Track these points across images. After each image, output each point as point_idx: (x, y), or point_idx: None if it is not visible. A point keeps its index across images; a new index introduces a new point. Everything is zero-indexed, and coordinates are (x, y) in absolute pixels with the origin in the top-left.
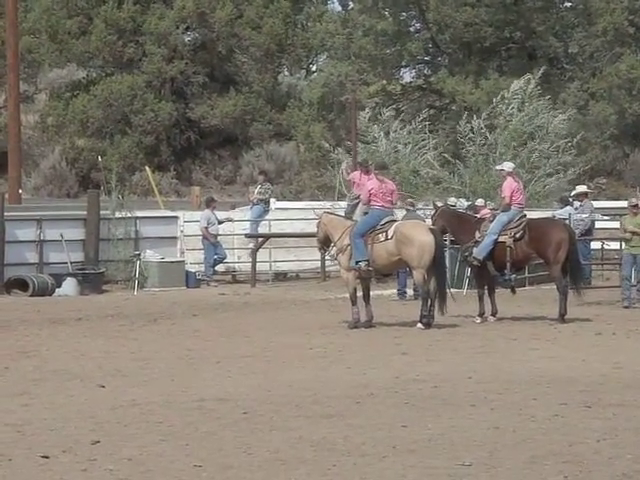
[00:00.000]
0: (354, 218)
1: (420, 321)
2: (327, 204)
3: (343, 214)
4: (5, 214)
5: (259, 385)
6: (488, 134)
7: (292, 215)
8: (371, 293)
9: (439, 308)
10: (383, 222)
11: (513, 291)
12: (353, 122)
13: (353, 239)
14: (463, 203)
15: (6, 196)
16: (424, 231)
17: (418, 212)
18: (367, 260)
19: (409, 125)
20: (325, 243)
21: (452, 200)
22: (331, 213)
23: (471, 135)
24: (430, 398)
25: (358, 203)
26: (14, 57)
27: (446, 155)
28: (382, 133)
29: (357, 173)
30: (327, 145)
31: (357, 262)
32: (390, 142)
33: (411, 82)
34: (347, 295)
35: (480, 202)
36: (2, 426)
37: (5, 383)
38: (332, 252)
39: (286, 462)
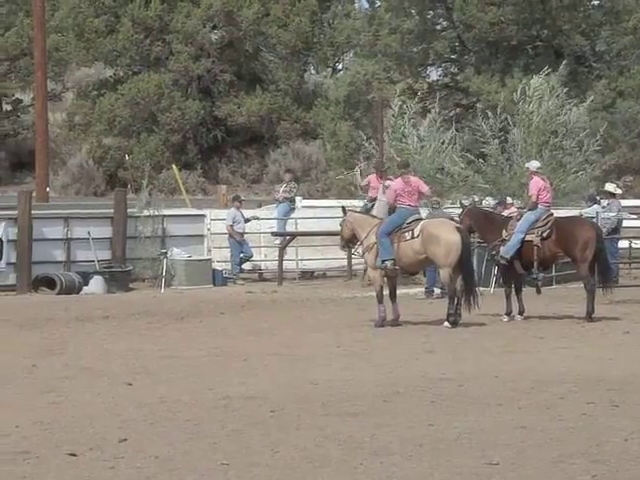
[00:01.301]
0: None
1: (447, 320)
2: (354, 202)
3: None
4: (33, 212)
5: (286, 383)
6: (510, 132)
7: (319, 213)
8: (397, 291)
9: (468, 307)
10: (409, 220)
11: (538, 291)
12: (379, 120)
13: (379, 238)
14: (489, 202)
15: (34, 194)
16: (450, 229)
17: (443, 210)
18: (393, 259)
19: (435, 123)
20: (350, 241)
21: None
22: (357, 211)
23: (492, 133)
24: (457, 397)
25: (373, 206)
26: (42, 55)
27: (469, 154)
28: (413, 130)
29: (372, 177)
30: (362, 139)
31: (383, 261)
32: (419, 140)
33: (437, 80)
34: (374, 293)
35: (509, 199)
36: (30, 424)
37: (33, 381)
38: (358, 250)
39: (313, 461)
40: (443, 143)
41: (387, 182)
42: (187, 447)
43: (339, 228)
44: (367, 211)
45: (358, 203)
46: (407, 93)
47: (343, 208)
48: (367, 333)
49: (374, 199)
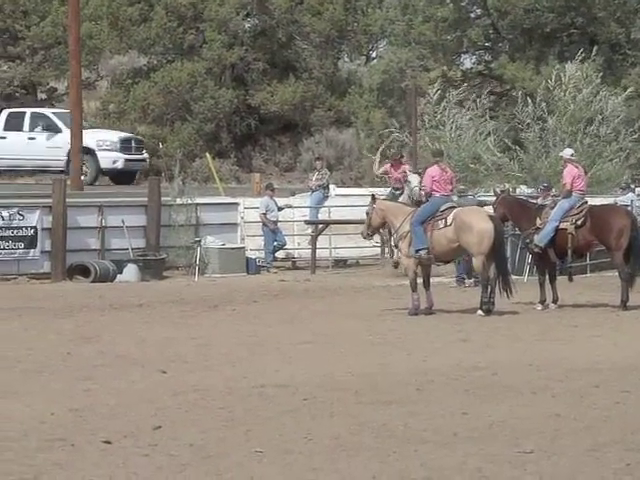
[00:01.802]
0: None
1: (480, 308)
2: (387, 190)
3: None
4: (67, 200)
5: (319, 371)
6: (546, 119)
7: (352, 202)
8: (431, 280)
9: (505, 294)
10: (442, 209)
11: (570, 279)
12: (413, 109)
13: (413, 226)
14: (523, 190)
15: (68, 183)
16: (483, 218)
17: (470, 197)
18: (427, 248)
19: (470, 111)
20: (377, 229)
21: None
22: (387, 199)
23: (529, 121)
24: (490, 385)
25: (399, 194)
26: (76, 44)
27: (506, 141)
28: (451, 118)
29: (388, 166)
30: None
31: (417, 250)
32: (454, 129)
33: (472, 68)
34: (407, 282)
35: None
36: (65, 411)
37: (67, 368)
38: (392, 239)
39: (346, 448)
40: (477, 131)
41: (406, 168)
42: (221, 435)
43: (366, 216)
44: (394, 199)
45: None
46: (441, 81)
47: (373, 196)
48: (400, 321)
49: (397, 188)
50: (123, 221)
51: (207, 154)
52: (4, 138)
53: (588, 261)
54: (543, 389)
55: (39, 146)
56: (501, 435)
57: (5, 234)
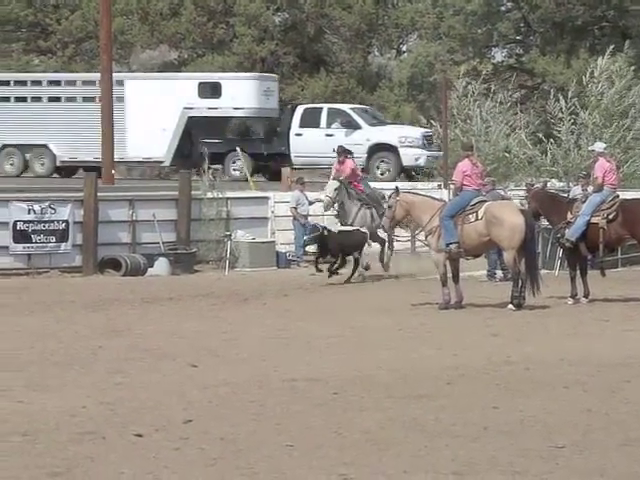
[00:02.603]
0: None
1: (511, 302)
2: (417, 185)
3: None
4: (98, 194)
5: (349, 365)
6: (578, 113)
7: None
8: (461, 274)
9: (532, 290)
10: (473, 203)
11: (603, 273)
12: (444, 102)
13: (443, 220)
14: (554, 183)
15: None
16: (514, 212)
17: (498, 191)
18: (457, 242)
19: (500, 105)
20: (400, 222)
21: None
22: (411, 192)
23: (561, 115)
24: (522, 380)
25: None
26: (107, 38)
27: (538, 134)
28: (478, 111)
29: (335, 165)
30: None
31: (447, 244)
32: (483, 122)
33: (502, 61)
34: (437, 276)
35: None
36: (96, 404)
37: (98, 362)
38: (422, 234)
39: (377, 443)
40: (507, 123)
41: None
42: (252, 428)
43: (388, 209)
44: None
45: (422, 186)
46: (471, 75)
47: (396, 188)
48: (431, 316)
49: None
50: (154, 215)
51: (239, 149)
52: (300, 135)
53: (619, 255)
54: (574, 384)
55: (337, 143)
56: (532, 430)
57: (37, 228)
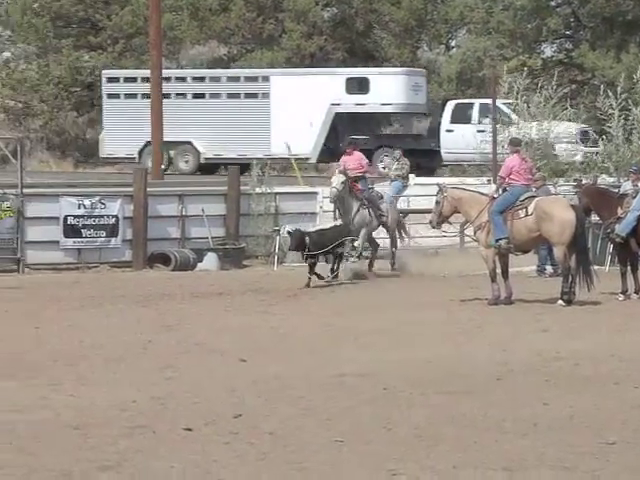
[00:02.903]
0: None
1: (561, 298)
2: (467, 180)
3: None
4: (148, 190)
5: (398, 361)
6: (630, 109)
7: (431, 191)
8: (510, 269)
9: (586, 286)
10: (522, 198)
11: None
12: (492, 98)
13: (492, 216)
14: (605, 179)
15: (149, 172)
16: (565, 207)
17: (548, 187)
18: (507, 237)
19: (550, 100)
20: (448, 218)
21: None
22: (458, 188)
23: (611, 111)
24: (571, 376)
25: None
26: (157, 34)
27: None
28: (525, 106)
29: (342, 158)
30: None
31: (497, 240)
32: (531, 117)
33: (552, 57)
34: (486, 271)
35: None
36: (146, 399)
37: (149, 357)
38: (470, 229)
39: (426, 438)
40: (556, 117)
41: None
42: (301, 423)
43: (435, 205)
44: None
45: (472, 181)
46: (520, 70)
47: (439, 185)
48: (480, 311)
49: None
50: (203, 210)
51: (286, 143)
52: (451, 131)
53: None
54: (625, 380)
55: (489, 139)
56: (582, 426)
57: (87, 222)
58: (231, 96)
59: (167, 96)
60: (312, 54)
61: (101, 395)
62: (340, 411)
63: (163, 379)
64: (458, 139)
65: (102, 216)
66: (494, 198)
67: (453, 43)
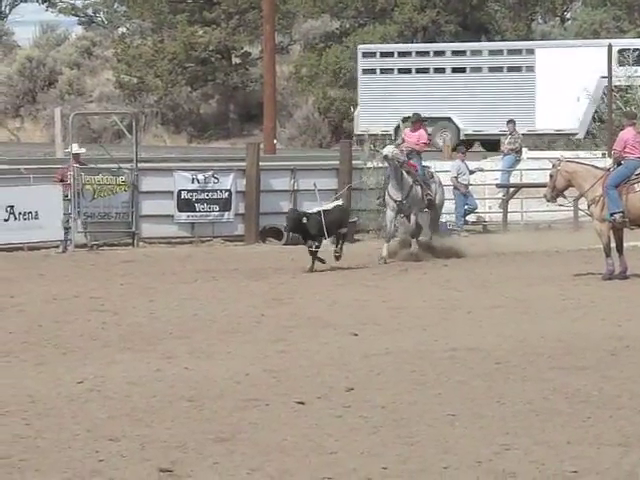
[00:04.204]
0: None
1: None
2: (580, 154)
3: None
4: (260, 164)
5: (511, 336)
6: None
7: (544, 165)
8: (625, 244)
9: None
10: (638, 172)
11: None
12: (608, 71)
13: (607, 190)
14: None
15: (261, 146)
16: None
17: None
18: (622, 211)
19: None
20: (562, 192)
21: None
22: (572, 161)
23: None
24: None
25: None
26: (270, 8)
27: None
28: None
29: (406, 131)
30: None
31: (612, 214)
32: None
33: None
34: (600, 246)
35: None
36: (260, 372)
37: (261, 330)
38: (584, 204)
39: (540, 413)
40: None
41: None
42: (413, 398)
43: (549, 178)
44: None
45: (584, 154)
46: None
47: (557, 159)
48: (594, 286)
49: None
50: (315, 184)
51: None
52: None
53: None
54: None
55: None
56: None
57: (200, 197)
58: (493, 70)
59: (425, 71)
60: (424, 27)
61: (215, 368)
62: (452, 385)
63: (276, 352)
64: None
65: (215, 190)
66: (609, 171)
67: (568, 15)
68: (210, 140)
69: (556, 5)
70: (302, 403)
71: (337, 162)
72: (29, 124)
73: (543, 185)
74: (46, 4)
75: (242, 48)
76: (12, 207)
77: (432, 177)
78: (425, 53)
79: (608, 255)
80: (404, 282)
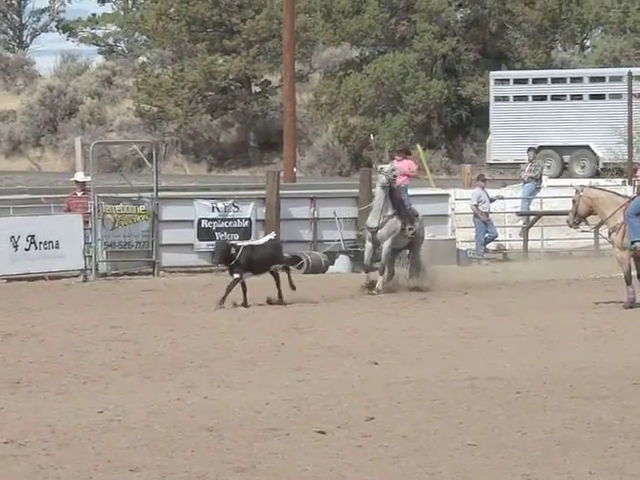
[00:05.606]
0: None
1: None
2: (599, 181)
3: None
4: (280, 192)
5: (532, 364)
6: None
7: (564, 193)
8: None
9: None
10: None
11: None
12: (629, 98)
13: (628, 218)
14: None
15: (281, 174)
16: None
17: None
18: None
19: None
20: (584, 218)
21: None
22: (595, 187)
23: None
24: None
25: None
26: (290, 37)
27: None
28: None
29: (394, 163)
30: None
31: (633, 242)
32: None
33: None
34: (621, 274)
35: None
36: (279, 401)
37: (281, 359)
38: (605, 231)
39: (561, 443)
40: None
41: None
42: (433, 427)
43: (572, 204)
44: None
45: (604, 182)
46: None
47: (580, 186)
48: (615, 314)
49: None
50: (335, 213)
51: (418, 146)
52: None
53: None
54: None
55: None
56: None
57: (220, 225)
58: (636, 96)
59: (561, 98)
60: (444, 55)
61: (235, 397)
62: (473, 415)
63: (296, 381)
64: None
65: (235, 219)
66: (631, 199)
67: (588, 43)
68: (230, 169)
69: (575, 33)
70: (322, 433)
71: (357, 190)
72: (50, 153)
73: (563, 213)
74: (67, 34)
75: (262, 76)
76: (33, 236)
77: (417, 216)
78: (561, 80)
79: (629, 283)
80: (424, 310)
